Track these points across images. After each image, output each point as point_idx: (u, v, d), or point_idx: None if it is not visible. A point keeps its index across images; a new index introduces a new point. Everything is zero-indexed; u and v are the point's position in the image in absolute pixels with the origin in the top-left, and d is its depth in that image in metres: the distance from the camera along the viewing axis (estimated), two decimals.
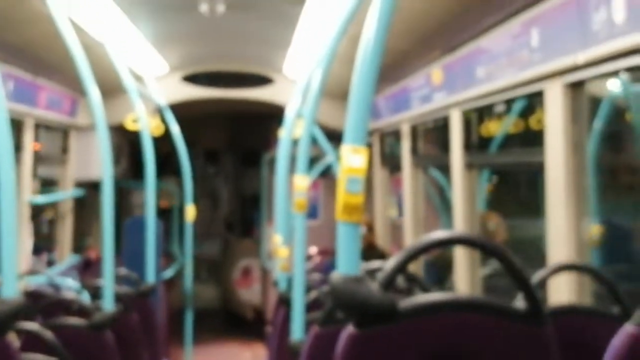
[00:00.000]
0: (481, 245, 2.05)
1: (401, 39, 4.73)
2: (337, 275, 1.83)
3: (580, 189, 3.33)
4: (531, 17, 3.49)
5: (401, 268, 1.84)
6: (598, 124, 4.03)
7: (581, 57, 3.03)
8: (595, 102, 3.83)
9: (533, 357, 1.86)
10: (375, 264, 3.30)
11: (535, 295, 1.88)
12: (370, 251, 6.08)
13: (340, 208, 1.89)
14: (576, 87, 3.30)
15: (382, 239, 7.27)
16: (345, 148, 1.90)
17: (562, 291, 3.26)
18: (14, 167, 2.64)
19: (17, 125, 5.71)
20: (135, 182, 8.25)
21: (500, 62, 3.91)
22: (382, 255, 5.99)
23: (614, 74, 3.08)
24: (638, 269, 4.41)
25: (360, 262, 1.93)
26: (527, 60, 3.55)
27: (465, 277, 4.74)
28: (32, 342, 3.10)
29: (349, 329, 1.78)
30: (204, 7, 4.90)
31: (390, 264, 1.83)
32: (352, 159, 1.88)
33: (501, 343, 1.85)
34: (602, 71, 3.01)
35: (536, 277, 2.53)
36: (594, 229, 3.67)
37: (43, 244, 6.76)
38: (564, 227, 3.31)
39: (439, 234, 1.93)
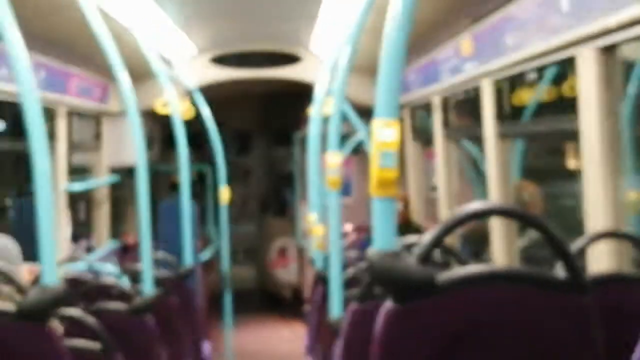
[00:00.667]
0: (519, 215, 2.04)
1: (428, 8, 4.69)
2: (374, 250, 1.83)
3: (616, 156, 3.29)
4: None
5: (438, 242, 1.84)
6: (632, 88, 3.97)
7: (613, 20, 2.98)
8: (629, 66, 3.77)
9: (575, 327, 1.85)
10: (411, 238, 3.30)
11: (575, 264, 1.87)
12: (406, 227, 6.03)
13: (374, 183, 1.89)
14: (609, 52, 3.24)
15: (416, 214, 7.25)
16: (377, 122, 1.89)
17: (601, 259, 3.23)
18: (49, 156, 2.67)
19: (49, 114, 5.77)
20: (169, 165, 8.30)
21: (530, 29, 3.86)
22: (419, 231, 5.94)
23: None
24: None
25: (397, 237, 1.93)
26: (557, 26, 3.51)
27: (503, 248, 4.71)
28: (75, 327, 3.14)
29: (388, 305, 1.78)
30: None
31: (426, 237, 1.83)
32: (384, 133, 1.87)
33: (542, 313, 1.84)
34: (635, 34, 2.96)
35: (575, 246, 2.50)
36: (632, 195, 3.63)
37: (81, 231, 6.84)
38: (602, 195, 3.27)
39: (476, 205, 1.92)
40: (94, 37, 3.85)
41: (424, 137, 6.98)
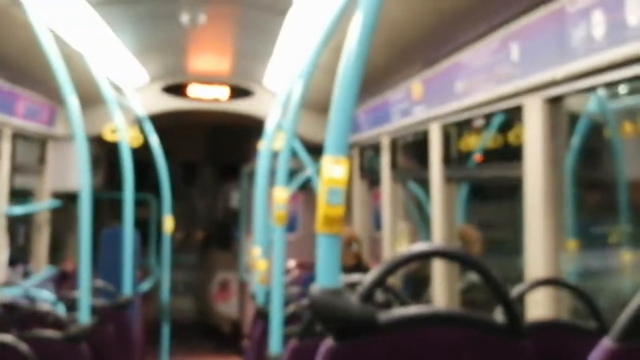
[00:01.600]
0: (461, 258, 2.05)
1: (382, 52, 4.75)
2: (316, 287, 1.82)
3: (558, 205, 3.35)
4: (511, 32, 3.51)
5: (380, 281, 1.84)
6: (576, 139, 4.06)
7: (560, 72, 3.05)
8: (574, 118, 3.86)
9: None
10: (354, 277, 3.30)
11: (514, 309, 1.89)
12: (358, 267, 5.99)
13: (320, 219, 1.88)
14: (555, 103, 3.32)
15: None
16: (327, 159, 1.89)
17: (540, 306, 3.27)
18: None
19: None
20: (113, 193, 8.20)
21: (479, 77, 3.93)
22: (368, 270, 5.91)
23: (592, 89, 3.10)
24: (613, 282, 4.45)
25: (341, 275, 1.93)
26: (506, 75, 3.58)
27: (443, 290, 4.74)
28: (7, 354, 3.07)
29: (328, 342, 1.77)
30: (184, 18, 4.90)
31: (369, 276, 1.83)
32: (333, 170, 1.87)
33: (481, 356, 1.85)
34: (581, 86, 3.03)
35: (515, 291, 2.53)
36: (571, 244, 3.70)
37: (19, 256, 6.70)
38: (542, 241, 3.32)
39: (419, 246, 1.93)
40: (44, 59, 3.81)
41: (371, 177, 7.03)
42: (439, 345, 1.82)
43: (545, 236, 3.31)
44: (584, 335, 2.44)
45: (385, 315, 1.79)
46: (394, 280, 5.65)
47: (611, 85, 3.01)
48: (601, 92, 3.62)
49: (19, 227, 6.82)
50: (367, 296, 1.80)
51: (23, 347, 3.06)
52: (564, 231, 3.41)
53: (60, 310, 4.74)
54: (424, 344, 1.81)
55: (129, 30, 5.46)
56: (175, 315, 7.41)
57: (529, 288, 2.64)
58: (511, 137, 4.51)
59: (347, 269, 5.18)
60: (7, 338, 3.12)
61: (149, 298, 7.98)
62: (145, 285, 7.82)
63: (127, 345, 5.66)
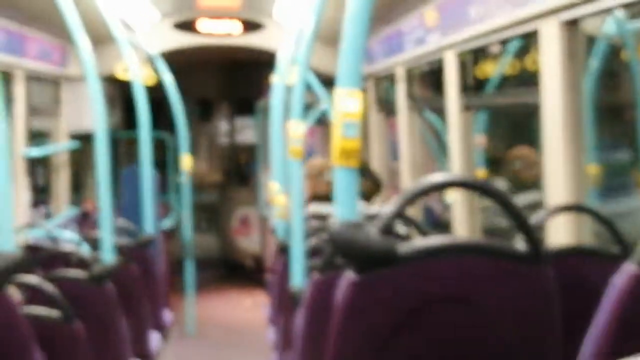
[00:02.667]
0: (478, 187, 2.04)
1: None
2: (335, 220, 1.83)
3: (577, 130, 3.32)
4: None
5: (399, 213, 1.84)
6: (594, 63, 4.00)
7: None
8: (591, 41, 3.80)
9: (534, 298, 1.87)
10: (373, 209, 3.31)
11: (535, 236, 1.89)
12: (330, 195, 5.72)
13: (336, 153, 1.88)
14: (572, 26, 3.26)
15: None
16: (340, 92, 1.88)
17: (561, 232, 3.27)
18: (6, 120, 2.62)
19: (7, 78, 5.67)
20: (129, 132, 8.22)
21: (494, 1, 3.86)
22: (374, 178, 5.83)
23: (610, 10, 3.04)
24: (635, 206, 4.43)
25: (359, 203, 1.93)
26: None
27: (465, 220, 4.75)
28: (33, 295, 3.11)
29: (349, 275, 1.78)
30: None
31: (388, 208, 1.83)
32: (347, 103, 1.86)
33: (502, 285, 1.86)
34: (598, 8, 2.97)
35: (535, 218, 2.53)
36: (592, 169, 3.67)
37: (40, 197, 6.76)
38: (562, 168, 3.30)
39: (436, 177, 1.92)
40: None
41: (387, 108, 6.99)
42: (459, 275, 1.83)
43: (565, 162, 3.30)
44: (608, 260, 2.43)
45: (404, 247, 1.79)
46: (415, 212, 5.66)
47: (630, 6, 2.94)
48: (619, 13, 3.54)
49: (38, 168, 6.86)
50: (387, 228, 1.80)
51: (49, 287, 3.10)
52: (584, 156, 3.39)
53: (84, 250, 4.80)
54: (445, 274, 1.82)
55: None
56: (197, 252, 7.48)
57: (550, 214, 2.63)
58: (529, 62, 4.45)
59: (320, 198, 5.32)
60: (33, 279, 3.16)
61: (171, 235, 8.06)
62: (167, 223, 7.89)
63: (152, 282, 5.74)
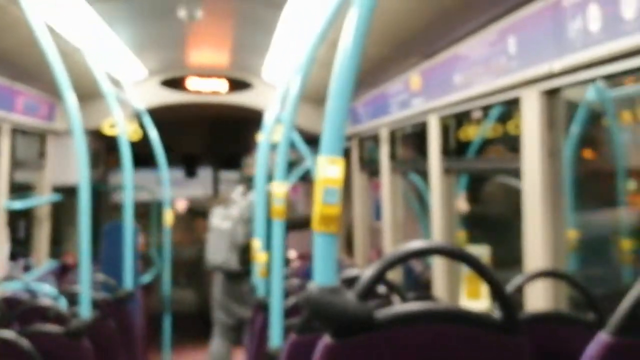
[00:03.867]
0: (456, 255, 2.05)
1: (379, 45, 4.75)
2: (313, 285, 1.83)
3: (557, 195, 3.36)
4: (508, 25, 3.51)
5: (379, 277, 1.84)
6: (575, 128, 4.06)
7: (557, 65, 3.05)
8: (573, 106, 3.86)
9: None
10: (353, 272, 3.31)
11: (510, 304, 1.89)
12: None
13: (316, 219, 1.89)
14: (552, 94, 3.32)
15: (360, 243, 7.30)
16: (322, 159, 1.90)
17: (540, 297, 3.28)
18: None
19: None
20: (113, 186, 8.22)
21: (477, 69, 3.93)
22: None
23: (590, 81, 3.10)
24: (613, 273, 4.45)
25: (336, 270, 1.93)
26: (503, 68, 3.58)
27: (444, 284, 4.76)
28: (8, 349, 3.07)
29: (326, 339, 1.78)
30: (182, 13, 4.89)
31: (367, 274, 1.83)
32: (328, 170, 1.87)
33: (477, 353, 1.85)
34: (578, 79, 3.04)
35: (513, 283, 2.54)
36: (571, 234, 3.70)
37: (20, 250, 6.71)
38: (541, 233, 3.33)
39: (415, 244, 1.93)
40: (41, 55, 3.81)
41: (371, 167, 7.04)
42: (436, 342, 1.83)
43: (544, 227, 3.32)
44: (582, 327, 2.45)
45: (382, 313, 1.80)
46: (394, 276, 5.66)
47: (607, 78, 3.00)
48: (600, 81, 3.61)
49: (20, 221, 6.83)
50: (365, 293, 1.80)
51: (24, 342, 3.07)
52: (563, 221, 3.42)
53: (62, 304, 4.76)
54: (421, 340, 1.82)
55: (126, 26, 5.46)
56: (176, 306, 7.43)
57: (527, 280, 2.64)
58: (510, 127, 4.51)
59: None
60: (8, 334, 3.12)
61: (151, 289, 8.00)
62: (147, 277, 7.83)
63: (129, 338, 5.68)
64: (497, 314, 1.90)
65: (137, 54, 6.50)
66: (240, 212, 6.31)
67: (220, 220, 6.36)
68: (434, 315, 1.85)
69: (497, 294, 1.87)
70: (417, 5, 3.97)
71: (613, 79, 3.37)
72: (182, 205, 6.77)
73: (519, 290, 2.58)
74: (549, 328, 2.44)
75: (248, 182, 6.48)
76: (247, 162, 6.68)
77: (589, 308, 2.53)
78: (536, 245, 3.35)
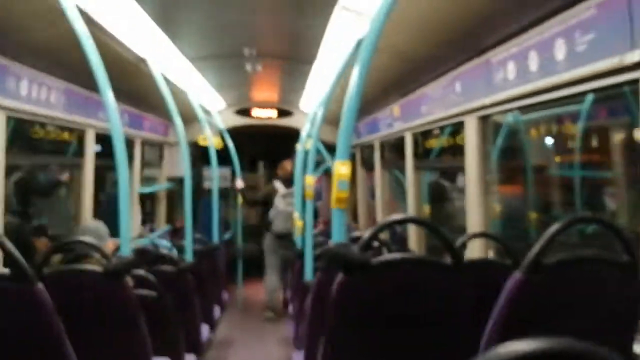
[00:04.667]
0: (422, 223, 2.05)
1: (373, 87, 4.73)
2: (331, 242, 1.83)
3: (486, 183, 3.34)
4: (456, 74, 3.49)
5: (373, 238, 1.84)
6: (499, 141, 4.02)
7: (488, 100, 3.03)
8: (498, 126, 3.83)
9: (457, 296, 1.85)
10: (357, 233, 3.30)
11: (457, 254, 1.88)
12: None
13: (333, 200, 1.90)
14: (485, 119, 3.30)
15: (362, 213, 7.28)
16: (337, 163, 1.90)
17: (475, 249, 3.26)
18: (128, 169, 2.65)
19: (129, 142, 5.73)
20: (205, 177, 8.25)
21: (436, 103, 3.91)
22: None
23: (509, 110, 3.08)
24: (523, 233, 4.40)
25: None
26: (453, 102, 3.56)
27: (417, 242, 4.74)
28: (140, 282, 3.11)
29: (340, 276, 1.79)
30: (248, 67, 4.91)
31: (366, 235, 1.84)
32: (341, 169, 1.88)
33: (437, 286, 1.85)
34: (501, 109, 3.01)
35: (459, 241, 2.52)
36: (496, 208, 3.67)
37: (147, 218, 6.78)
38: (477, 208, 3.31)
39: (396, 216, 1.93)
40: (160, 95, 3.84)
41: (368, 165, 7.03)
42: (410, 279, 1.82)
43: (479, 204, 3.31)
44: (504, 269, 2.42)
45: (376, 260, 1.79)
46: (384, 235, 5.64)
47: (520, 109, 2.98)
48: (515, 111, 3.58)
49: (147, 200, 6.89)
50: (365, 247, 1.80)
51: (151, 277, 3.10)
52: (491, 200, 3.40)
53: (174, 253, 4.80)
54: (401, 278, 1.81)
55: (214, 76, 5.48)
56: (246, 254, 7.44)
57: (468, 239, 2.63)
58: (458, 140, 4.48)
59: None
60: (141, 272, 3.16)
61: (230, 243, 8.03)
62: (227, 236, 7.87)
63: (217, 274, 5.72)
64: (448, 261, 1.89)
65: (220, 93, 6.53)
66: (292, 199, 6.32)
67: (283, 206, 6.32)
68: (409, 262, 1.84)
69: (449, 248, 1.86)
70: (396, 63, 3.95)
71: (524, 109, 3.33)
72: (239, 183, 6.76)
73: (463, 245, 2.56)
74: (482, 270, 2.42)
75: (283, 178, 6.42)
76: (281, 165, 6.68)
77: (508, 256, 2.52)
78: (473, 216, 3.34)
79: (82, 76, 3.23)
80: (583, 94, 2.37)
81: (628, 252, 1.77)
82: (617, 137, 3.36)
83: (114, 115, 2.54)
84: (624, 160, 3.31)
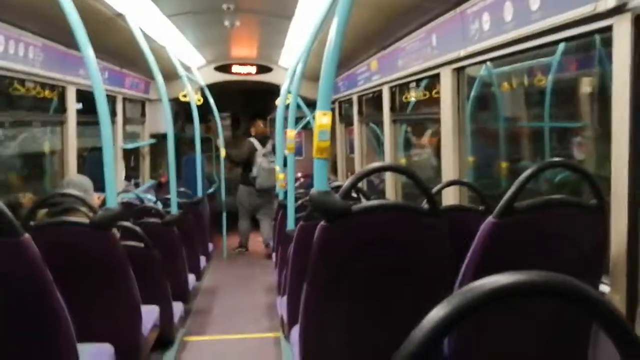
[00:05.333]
0: (400, 170, 2.05)
1: (352, 41, 4.64)
2: (314, 190, 1.83)
3: (461, 135, 3.35)
4: (431, 27, 3.44)
5: (353, 186, 1.84)
6: (473, 93, 4.01)
7: (462, 52, 3.00)
8: (472, 79, 3.81)
9: (433, 239, 1.88)
10: (337, 183, 3.30)
11: (433, 199, 1.90)
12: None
13: (315, 150, 1.88)
14: (459, 71, 3.28)
15: (341, 167, 7.29)
16: (318, 113, 1.87)
17: (450, 196, 3.30)
18: (111, 126, 2.59)
19: (111, 99, 5.59)
20: (187, 133, 8.14)
21: (412, 56, 3.86)
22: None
23: (483, 62, 3.06)
24: (495, 181, 4.46)
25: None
26: (429, 55, 3.52)
27: (393, 189, 4.78)
28: (127, 234, 3.10)
29: (322, 223, 1.79)
30: (227, 22, 4.77)
31: (346, 184, 1.83)
32: (322, 119, 1.85)
33: (414, 230, 1.87)
34: (475, 61, 2.99)
35: (435, 188, 2.55)
36: (469, 159, 3.70)
37: (132, 173, 6.70)
38: (452, 158, 3.33)
39: (374, 165, 1.93)
40: (140, 51, 3.73)
41: (346, 120, 6.99)
42: (387, 224, 1.84)
43: (453, 154, 3.32)
44: (478, 214, 2.47)
45: (355, 207, 1.80)
46: (362, 185, 5.67)
47: (494, 60, 2.95)
48: (489, 63, 3.56)
49: (131, 155, 6.80)
50: (345, 195, 1.80)
51: (137, 229, 3.09)
52: (465, 151, 3.41)
53: (159, 206, 4.77)
54: (378, 223, 1.83)
55: (193, 33, 5.33)
56: (229, 207, 7.45)
57: (444, 186, 2.66)
58: (434, 93, 4.45)
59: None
60: (127, 224, 3.15)
61: (213, 197, 8.01)
62: (211, 190, 7.84)
63: (201, 227, 5.72)
64: (425, 206, 1.90)
65: (199, 50, 6.36)
66: (273, 157, 6.50)
67: (267, 164, 6.69)
68: (386, 207, 1.85)
69: (425, 193, 1.87)
70: (375, 16, 3.87)
71: (497, 61, 3.30)
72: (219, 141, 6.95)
73: (439, 192, 2.59)
74: (456, 215, 2.46)
75: (258, 137, 6.87)
76: (255, 124, 7.02)
77: (481, 203, 2.55)
78: (449, 165, 3.36)
79: (60, 33, 3.10)
80: (555, 43, 2.35)
81: (596, 196, 1.80)
82: (585, 88, 3.37)
83: (95, 72, 2.46)
84: (591, 110, 3.33)
